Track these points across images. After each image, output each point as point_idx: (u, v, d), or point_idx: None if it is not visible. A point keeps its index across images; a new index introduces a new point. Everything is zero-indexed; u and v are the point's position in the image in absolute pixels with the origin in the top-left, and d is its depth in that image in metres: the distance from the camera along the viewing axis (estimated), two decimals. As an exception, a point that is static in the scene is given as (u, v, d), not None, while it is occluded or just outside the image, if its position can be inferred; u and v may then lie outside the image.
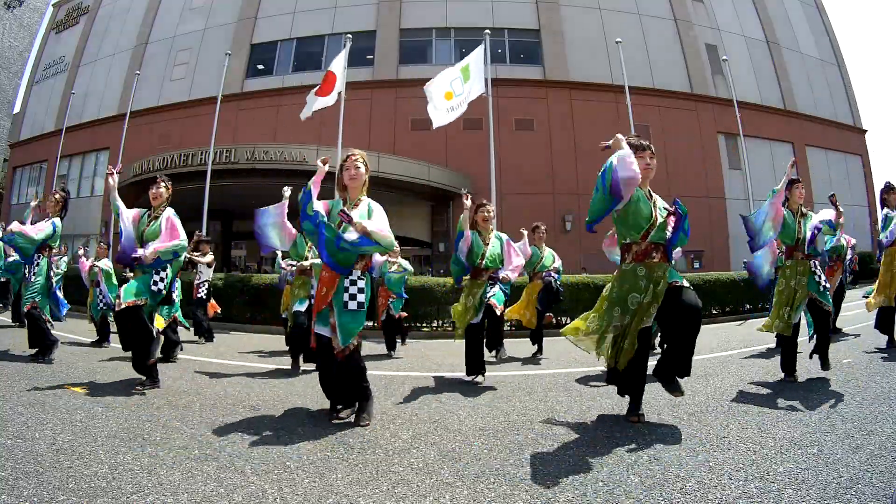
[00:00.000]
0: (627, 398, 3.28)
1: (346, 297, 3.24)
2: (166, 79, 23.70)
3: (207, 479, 2.27)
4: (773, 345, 6.36)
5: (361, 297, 3.26)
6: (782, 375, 4.34)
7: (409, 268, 7.01)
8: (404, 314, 7.17)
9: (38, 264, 5.26)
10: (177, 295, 5.26)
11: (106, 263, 7.12)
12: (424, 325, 9.50)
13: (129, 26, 25.69)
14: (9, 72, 38.32)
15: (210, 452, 2.61)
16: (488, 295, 4.65)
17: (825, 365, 4.33)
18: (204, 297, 7.83)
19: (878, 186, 4.67)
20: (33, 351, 5.17)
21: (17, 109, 33.24)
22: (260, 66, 22.96)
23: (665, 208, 3.24)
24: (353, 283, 3.27)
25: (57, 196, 5.41)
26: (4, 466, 2.31)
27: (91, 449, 2.59)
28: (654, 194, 3.27)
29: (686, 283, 3.17)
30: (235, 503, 2.05)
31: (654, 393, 3.55)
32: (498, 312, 4.67)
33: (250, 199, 19.07)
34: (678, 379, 3.18)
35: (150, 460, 2.46)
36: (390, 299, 6.75)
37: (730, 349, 6.38)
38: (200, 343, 7.40)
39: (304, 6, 22.82)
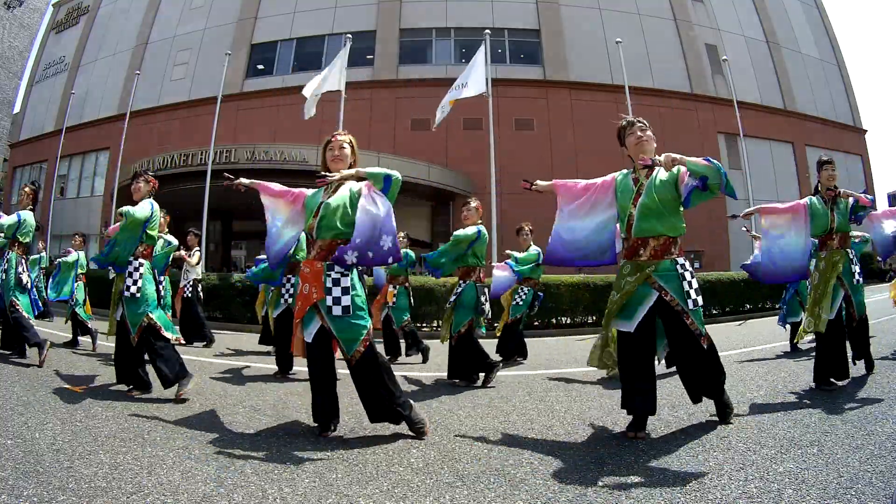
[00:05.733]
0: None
1: (329, 300, 2.85)
2: (166, 79, 23.69)
3: (207, 479, 2.26)
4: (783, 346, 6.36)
5: (347, 300, 2.85)
6: (812, 385, 3.93)
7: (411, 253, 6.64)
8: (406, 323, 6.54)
9: (7, 259, 5.05)
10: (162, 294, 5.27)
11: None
12: (424, 325, 9.49)
13: (129, 26, 25.69)
14: (9, 72, 38.29)
15: (210, 452, 2.61)
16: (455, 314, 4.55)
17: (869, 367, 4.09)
18: (199, 295, 7.78)
19: (878, 186, 4.57)
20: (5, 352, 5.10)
21: (17, 109, 33.21)
22: (260, 66, 22.95)
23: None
24: (336, 282, 2.87)
25: (27, 189, 5.16)
26: (4, 466, 2.31)
27: (91, 449, 2.59)
28: (655, 173, 2.90)
29: (690, 305, 2.85)
30: (235, 503, 2.05)
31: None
32: (452, 342, 4.55)
33: (250, 198, 18.99)
34: (717, 398, 3.02)
35: (150, 460, 2.46)
36: (390, 304, 6.32)
37: (730, 349, 6.38)
38: (208, 346, 7.29)
39: (304, 6, 22.82)
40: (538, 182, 3.34)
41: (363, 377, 2.88)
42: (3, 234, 5.00)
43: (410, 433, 2.96)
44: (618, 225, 3.11)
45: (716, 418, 3.15)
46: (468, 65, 11.63)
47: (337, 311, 2.84)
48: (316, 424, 3.00)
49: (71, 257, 6.91)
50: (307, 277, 2.94)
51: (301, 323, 2.98)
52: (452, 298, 4.58)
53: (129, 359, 3.89)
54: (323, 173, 2.99)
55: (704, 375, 2.99)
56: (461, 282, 4.61)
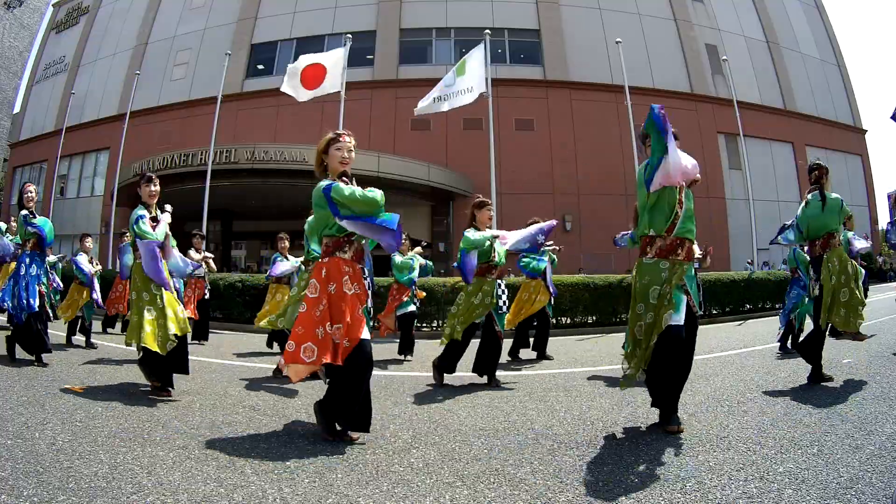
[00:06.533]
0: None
1: (369, 303, 3.20)
2: (166, 79, 23.69)
3: (207, 479, 2.26)
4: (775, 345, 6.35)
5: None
6: (807, 377, 4.18)
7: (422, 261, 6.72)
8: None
9: (45, 261, 5.17)
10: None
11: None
12: (424, 325, 9.49)
13: (129, 26, 25.69)
14: (9, 72, 38.29)
15: (210, 452, 2.61)
16: (500, 302, 4.62)
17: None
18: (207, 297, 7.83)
19: (878, 186, 4.67)
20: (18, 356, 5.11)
21: (17, 109, 33.22)
22: (260, 66, 22.95)
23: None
24: (370, 286, 3.26)
25: (34, 191, 5.16)
26: (4, 466, 2.31)
27: (91, 449, 2.59)
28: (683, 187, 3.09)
29: (696, 309, 3.08)
30: (235, 503, 2.05)
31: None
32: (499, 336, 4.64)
33: (250, 199, 19.09)
34: (674, 413, 3.00)
35: (150, 460, 2.46)
36: (417, 305, 6.53)
37: (730, 349, 6.38)
38: (202, 344, 7.38)
39: (304, 6, 22.82)
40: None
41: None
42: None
43: (409, 433, 2.98)
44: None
45: (718, 420, 3.15)
46: (462, 63, 11.53)
47: (369, 312, 3.11)
48: (339, 429, 2.92)
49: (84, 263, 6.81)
50: (355, 277, 2.93)
51: (357, 324, 2.86)
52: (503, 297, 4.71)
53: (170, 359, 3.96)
54: None
55: (681, 385, 3.04)
56: (501, 281, 4.75)
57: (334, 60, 12.27)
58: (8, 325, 5.26)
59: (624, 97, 15.63)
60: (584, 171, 20.07)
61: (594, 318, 9.97)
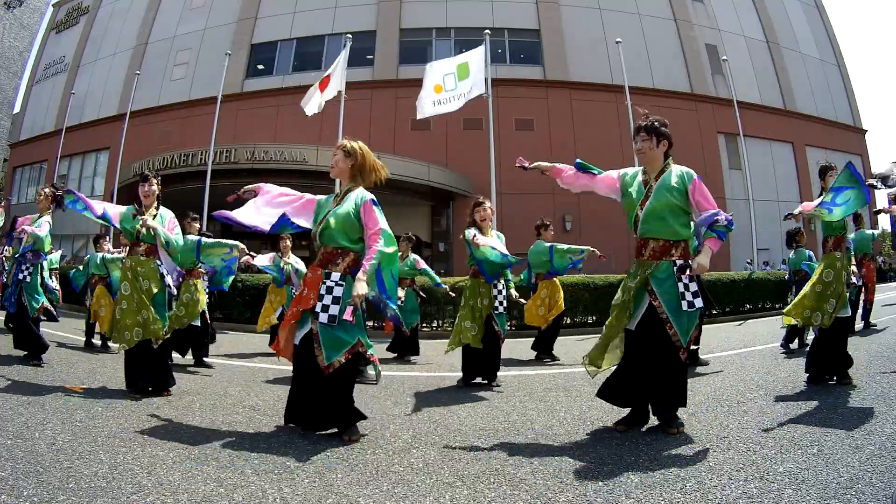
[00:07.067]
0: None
1: (318, 307, 2.88)
2: (166, 79, 23.70)
3: (207, 479, 2.26)
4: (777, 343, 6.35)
5: (335, 310, 2.85)
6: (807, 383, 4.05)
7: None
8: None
9: (32, 263, 5.09)
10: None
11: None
12: (424, 325, 9.49)
13: (129, 26, 25.70)
14: (9, 72, 38.32)
15: (210, 452, 2.61)
16: (497, 303, 4.58)
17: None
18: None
19: (878, 186, 4.65)
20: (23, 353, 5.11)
21: (17, 109, 33.26)
22: (260, 66, 22.96)
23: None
24: (330, 290, 2.89)
25: (48, 192, 5.07)
26: (4, 466, 2.30)
27: (91, 449, 2.59)
28: (663, 179, 2.96)
29: (685, 306, 2.86)
30: (235, 503, 2.05)
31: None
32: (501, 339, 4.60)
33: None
34: (676, 413, 2.95)
35: (150, 460, 2.46)
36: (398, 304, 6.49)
37: (730, 349, 6.38)
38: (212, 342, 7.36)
39: (304, 6, 22.83)
40: (539, 163, 3.52)
41: (326, 388, 2.87)
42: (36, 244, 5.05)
43: (409, 433, 2.99)
44: None
45: (718, 420, 3.15)
46: (464, 66, 11.53)
47: (323, 318, 2.86)
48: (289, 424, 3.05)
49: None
50: (307, 282, 3.03)
51: (295, 325, 2.99)
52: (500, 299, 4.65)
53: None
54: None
55: (669, 389, 2.90)
56: (502, 284, 4.69)
57: (340, 64, 12.33)
58: (7, 325, 5.27)
59: (624, 97, 15.63)
60: (585, 171, 20.06)
61: (594, 318, 9.97)
